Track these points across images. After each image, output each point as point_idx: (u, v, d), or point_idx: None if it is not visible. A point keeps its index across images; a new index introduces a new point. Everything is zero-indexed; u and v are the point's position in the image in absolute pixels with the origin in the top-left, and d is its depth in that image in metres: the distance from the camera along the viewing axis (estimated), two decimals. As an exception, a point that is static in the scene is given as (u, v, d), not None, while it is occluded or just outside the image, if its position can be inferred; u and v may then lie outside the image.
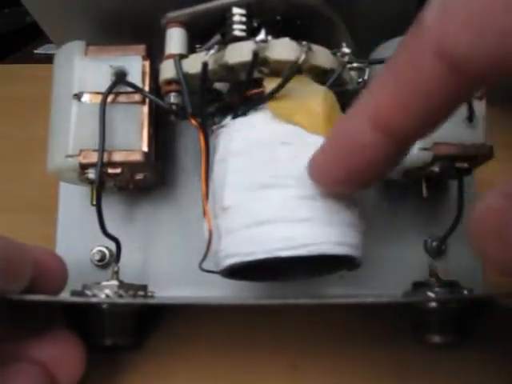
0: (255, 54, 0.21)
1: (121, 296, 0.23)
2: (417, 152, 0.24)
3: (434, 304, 0.24)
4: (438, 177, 0.25)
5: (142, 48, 0.26)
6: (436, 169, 0.24)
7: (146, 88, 0.25)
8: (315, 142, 0.21)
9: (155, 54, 0.26)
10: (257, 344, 0.25)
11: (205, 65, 0.22)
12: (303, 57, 0.21)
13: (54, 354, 0.22)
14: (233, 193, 0.21)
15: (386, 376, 0.25)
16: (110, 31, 0.26)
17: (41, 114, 0.27)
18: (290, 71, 0.22)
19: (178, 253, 0.28)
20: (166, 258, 0.29)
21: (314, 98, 0.22)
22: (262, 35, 0.21)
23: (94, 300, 0.23)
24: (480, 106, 0.25)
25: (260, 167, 0.21)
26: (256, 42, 0.21)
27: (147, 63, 0.26)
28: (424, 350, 0.25)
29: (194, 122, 0.23)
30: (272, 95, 0.22)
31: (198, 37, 0.25)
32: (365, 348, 0.25)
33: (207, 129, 0.24)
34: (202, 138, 0.23)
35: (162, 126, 0.28)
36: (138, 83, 0.25)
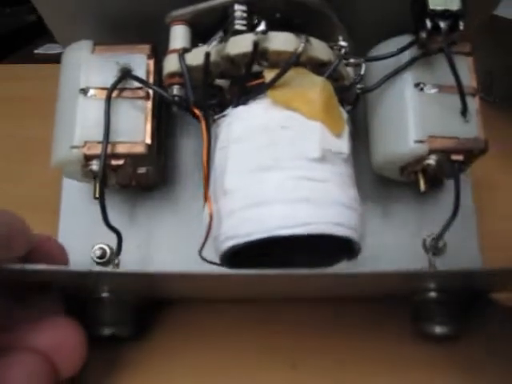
0: (255, 44, 0.22)
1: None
2: (412, 145, 0.25)
3: (434, 294, 0.24)
4: (434, 172, 0.26)
5: (146, 47, 0.27)
6: (432, 162, 0.25)
7: (150, 90, 0.26)
8: (313, 126, 0.22)
9: (160, 55, 0.27)
10: (256, 343, 0.26)
11: (207, 54, 0.24)
12: (302, 45, 0.23)
13: (54, 342, 0.22)
14: (234, 177, 0.22)
15: (385, 374, 0.25)
16: (116, 32, 0.27)
17: (41, 114, 0.27)
18: (289, 60, 0.23)
19: (179, 251, 0.29)
20: (166, 257, 0.29)
21: (313, 87, 0.23)
22: (262, 26, 0.23)
23: (95, 270, 0.23)
24: (473, 102, 0.26)
25: (260, 151, 0.22)
26: (256, 34, 0.23)
27: (151, 62, 0.27)
28: (424, 349, 0.25)
29: (196, 111, 0.24)
30: (272, 84, 0.23)
31: (200, 37, 0.26)
32: (365, 346, 0.26)
33: (208, 118, 0.25)
34: (203, 125, 0.24)
35: (163, 126, 0.29)
36: (143, 83, 0.26)
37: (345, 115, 0.25)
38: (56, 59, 0.28)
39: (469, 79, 0.26)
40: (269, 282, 0.23)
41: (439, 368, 0.25)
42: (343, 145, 0.24)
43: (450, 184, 0.26)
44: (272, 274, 0.20)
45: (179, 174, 0.30)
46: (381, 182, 0.30)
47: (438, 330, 0.25)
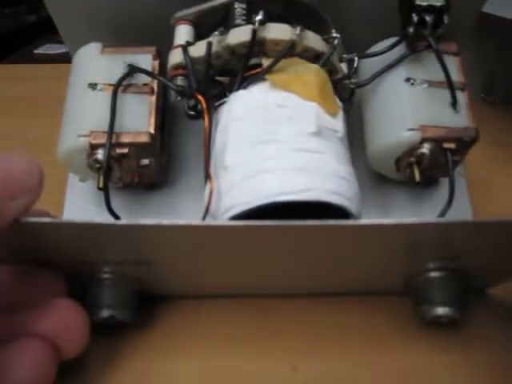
0: (254, 31, 0.24)
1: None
2: (406, 133, 0.26)
3: (436, 274, 0.25)
4: (429, 164, 0.26)
5: (152, 49, 0.28)
6: (425, 151, 0.26)
7: (155, 86, 0.27)
8: (309, 105, 0.24)
9: (163, 58, 0.28)
10: (256, 344, 0.25)
11: (209, 43, 0.26)
12: (297, 32, 0.25)
13: (58, 326, 0.22)
14: (234, 152, 0.23)
15: (387, 373, 0.25)
16: (121, 35, 0.29)
17: (41, 114, 0.27)
18: (285, 48, 0.25)
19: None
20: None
21: (308, 73, 0.25)
22: (260, 16, 0.24)
23: (97, 221, 0.21)
24: (462, 96, 0.27)
25: (258, 127, 0.24)
26: (255, 23, 0.24)
27: (157, 63, 0.28)
28: (425, 345, 0.25)
29: (198, 96, 0.26)
30: (269, 69, 0.25)
31: (203, 38, 0.27)
32: (366, 348, 0.25)
33: (210, 104, 0.26)
34: (205, 106, 0.25)
35: (166, 129, 0.30)
36: (148, 80, 0.27)
37: (339, 103, 0.26)
38: (56, 59, 0.28)
39: (457, 76, 0.27)
40: (268, 245, 0.22)
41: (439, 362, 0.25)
42: (338, 124, 0.25)
43: (446, 184, 0.26)
44: (271, 224, 0.19)
45: (180, 174, 0.31)
46: (379, 182, 0.30)
47: (440, 311, 0.25)
